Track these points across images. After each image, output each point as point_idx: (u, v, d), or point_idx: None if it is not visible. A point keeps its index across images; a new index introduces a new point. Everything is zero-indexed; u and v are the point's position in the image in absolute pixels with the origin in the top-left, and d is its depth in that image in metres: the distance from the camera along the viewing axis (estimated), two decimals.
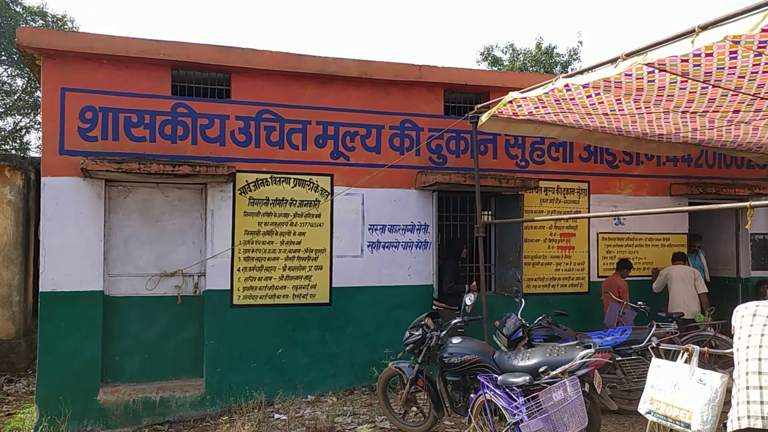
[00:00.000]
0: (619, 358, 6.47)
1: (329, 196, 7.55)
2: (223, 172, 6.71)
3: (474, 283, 7.86)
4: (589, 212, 8.49)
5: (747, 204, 4.21)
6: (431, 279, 7.91)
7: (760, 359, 3.21)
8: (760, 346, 3.24)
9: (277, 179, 7.40)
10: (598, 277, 8.67)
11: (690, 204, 8.91)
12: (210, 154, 7.13)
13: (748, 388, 3.21)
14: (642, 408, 3.99)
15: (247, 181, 7.27)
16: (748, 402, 3.18)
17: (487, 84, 8.17)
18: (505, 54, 25.50)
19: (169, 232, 7.16)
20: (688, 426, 3.58)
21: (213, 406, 7.01)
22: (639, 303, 7.60)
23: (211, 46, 7.12)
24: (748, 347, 3.29)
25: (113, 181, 6.91)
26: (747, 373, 3.24)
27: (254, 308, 7.28)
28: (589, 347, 5.04)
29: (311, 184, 7.52)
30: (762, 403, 3.12)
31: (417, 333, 5.98)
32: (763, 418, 3.10)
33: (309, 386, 7.40)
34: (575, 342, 5.92)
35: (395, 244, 7.81)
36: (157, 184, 7.08)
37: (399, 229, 7.83)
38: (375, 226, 7.74)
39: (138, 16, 49.75)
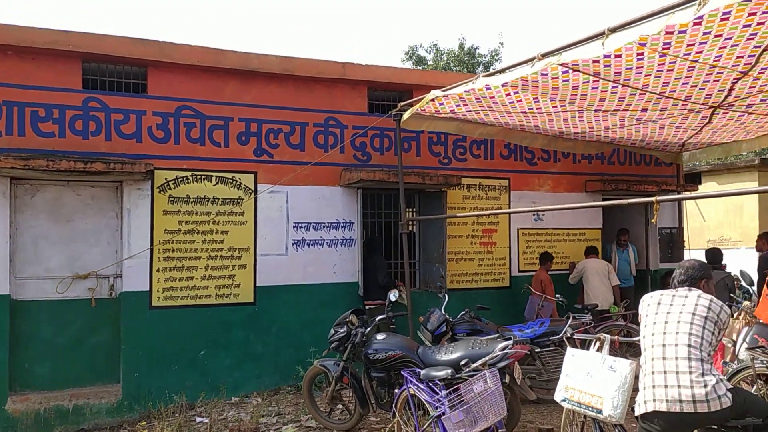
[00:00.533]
0: (538, 350, 6.69)
1: (252, 193, 7.42)
2: (139, 169, 6.47)
3: (400, 280, 7.91)
4: (509, 208, 8.72)
5: (654, 199, 4.44)
6: (357, 276, 7.90)
7: (663, 345, 3.39)
8: (664, 333, 3.42)
9: (199, 177, 7.20)
10: (519, 271, 8.92)
11: (604, 200, 9.31)
12: (126, 151, 6.85)
13: (653, 373, 3.37)
14: (558, 396, 4.12)
15: (166, 178, 7.03)
16: (653, 386, 3.34)
17: (411, 82, 8.25)
18: (429, 54, 25.88)
19: (82, 232, 6.84)
20: (599, 411, 3.72)
21: (131, 412, 6.75)
22: (557, 296, 7.88)
23: (126, 38, 6.85)
24: (653, 334, 3.47)
25: (19, 179, 6.53)
26: (652, 359, 3.41)
27: (175, 309, 7.06)
28: (509, 340, 5.17)
29: (234, 182, 7.36)
30: (666, 387, 3.29)
31: (342, 330, 5.96)
32: (667, 401, 3.27)
33: (233, 388, 7.25)
34: (496, 335, 6.06)
35: (320, 241, 7.76)
36: (68, 182, 6.75)
37: (324, 227, 7.78)
38: (300, 224, 7.66)
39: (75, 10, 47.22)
